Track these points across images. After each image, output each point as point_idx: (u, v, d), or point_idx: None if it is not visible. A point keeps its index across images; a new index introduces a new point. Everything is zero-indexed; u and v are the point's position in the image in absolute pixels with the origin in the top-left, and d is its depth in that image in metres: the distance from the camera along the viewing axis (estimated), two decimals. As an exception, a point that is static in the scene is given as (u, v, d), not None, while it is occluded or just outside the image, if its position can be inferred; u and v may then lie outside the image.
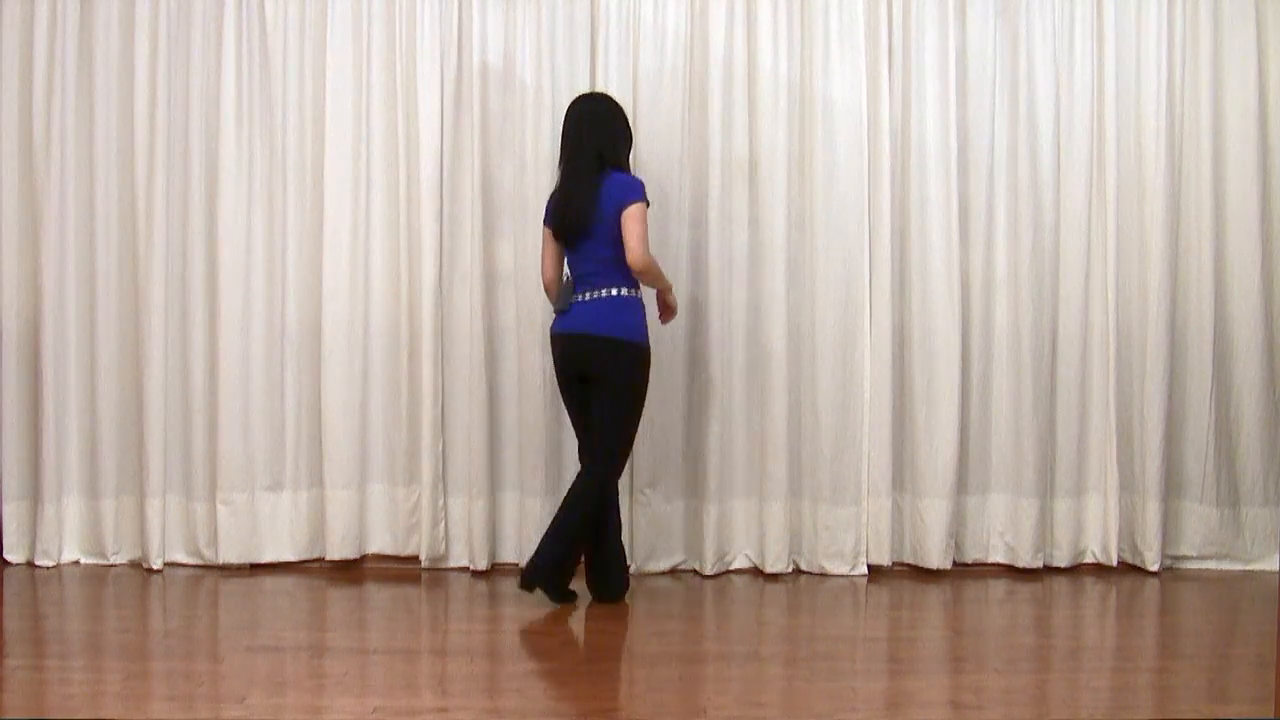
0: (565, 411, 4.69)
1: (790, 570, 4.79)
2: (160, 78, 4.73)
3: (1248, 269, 4.82)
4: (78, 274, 4.79)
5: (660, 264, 4.41)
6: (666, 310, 4.45)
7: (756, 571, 4.80)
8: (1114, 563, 4.82)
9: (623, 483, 4.52)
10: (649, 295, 4.40)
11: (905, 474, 4.83)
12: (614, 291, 4.22)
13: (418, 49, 4.72)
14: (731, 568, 4.81)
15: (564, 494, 4.74)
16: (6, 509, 4.82)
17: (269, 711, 3.26)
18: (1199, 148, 4.81)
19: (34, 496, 4.83)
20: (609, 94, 4.49)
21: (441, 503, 4.81)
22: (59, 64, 4.74)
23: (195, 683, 3.50)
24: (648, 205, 4.21)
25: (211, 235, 4.76)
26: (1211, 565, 4.89)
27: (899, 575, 4.81)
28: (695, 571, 4.79)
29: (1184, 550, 4.90)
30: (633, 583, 4.49)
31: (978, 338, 4.83)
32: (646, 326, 4.29)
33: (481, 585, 4.67)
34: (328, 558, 4.81)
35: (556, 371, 4.37)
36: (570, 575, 4.33)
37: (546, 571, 4.24)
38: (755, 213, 4.75)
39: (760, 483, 4.76)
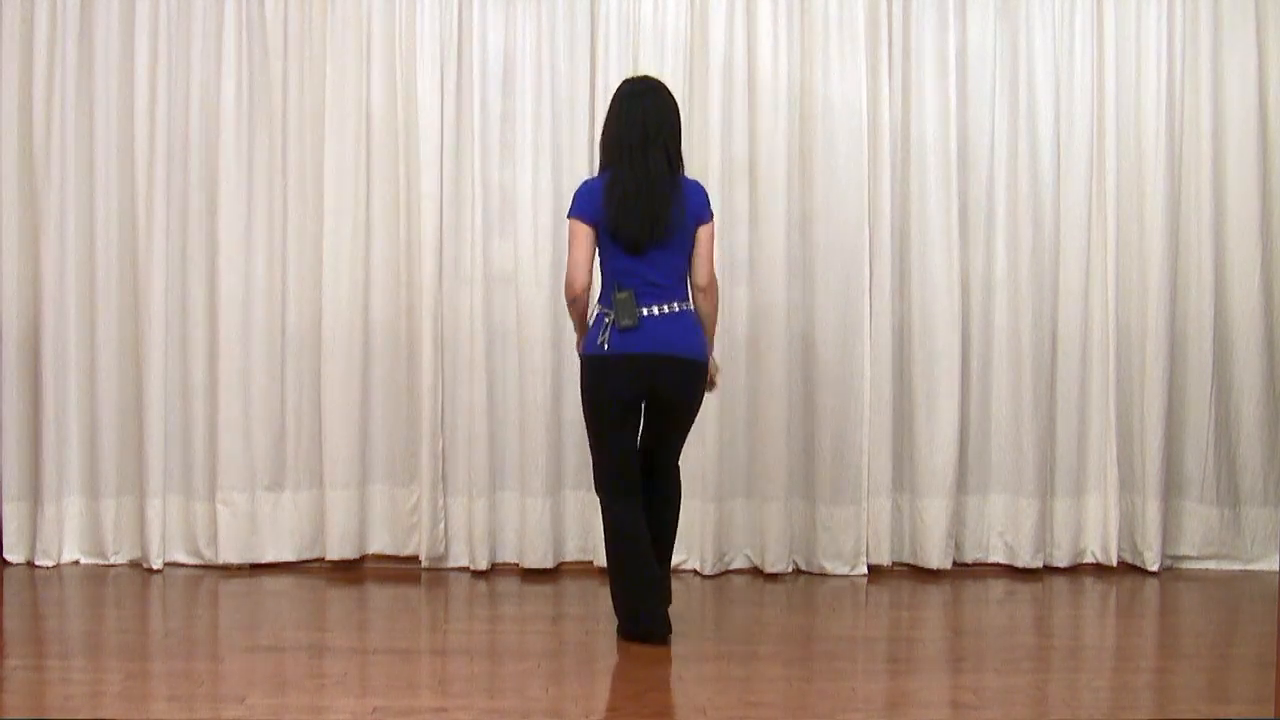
0: (565, 412, 4.70)
1: (790, 570, 4.78)
2: (160, 78, 4.72)
3: (1248, 269, 4.82)
4: (78, 274, 4.78)
5: None
6: None
7: (756, 571, 4.80)
8: (1114, 563, 4.82)
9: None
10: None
11: (905, 474, 4.83)
12: (685, 306, 3.85)
13: (418, 49, 4.72)
14: (731, 568, 4.80)
15: (563, 494, 4.78)
16: (6, 509, 4.82)
17: (269, 711, 3.26)
18: (1199, 148, 4.80)
19: (34, 496, 4.82)
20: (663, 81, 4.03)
21: (441, 503, 4.80)
22: (59, 64, 4.72)
23: (195, 683, 3.50)
24: None
25: (211, 235, 4.75)
26: (1211, 565, 4.88)
27: (899, 575, 4.81)
28: (695, 571, 4.79)
29: (1184, 550, 4.89)
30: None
31: (978, 337, 4.83)
32: None
33: (481, 585, 4.66)
34: (328, 558, 4.80)
35: (610, 392, 3.82)
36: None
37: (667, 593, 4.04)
38: (755, 213, 4.75)
39: (760, 483, 4.75)
